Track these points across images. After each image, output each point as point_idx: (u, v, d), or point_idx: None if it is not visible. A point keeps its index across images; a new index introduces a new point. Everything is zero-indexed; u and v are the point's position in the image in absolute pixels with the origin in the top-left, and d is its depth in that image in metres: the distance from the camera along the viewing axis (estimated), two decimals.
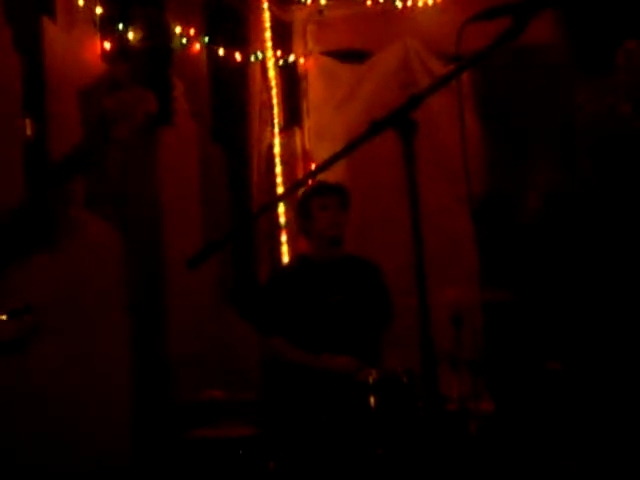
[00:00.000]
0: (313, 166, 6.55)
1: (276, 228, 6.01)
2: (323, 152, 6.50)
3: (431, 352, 1.99)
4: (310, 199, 4.53)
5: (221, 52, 5.74)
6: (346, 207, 4.51)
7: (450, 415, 3.80)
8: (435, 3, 6.34)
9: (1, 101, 3.90)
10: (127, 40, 4.66)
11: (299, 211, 4.64)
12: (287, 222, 5.95)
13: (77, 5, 4.37)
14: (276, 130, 6.33)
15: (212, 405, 3.93)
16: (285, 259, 6.00)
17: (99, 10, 4.51)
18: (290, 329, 4.35)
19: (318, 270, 4.46)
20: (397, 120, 2.04)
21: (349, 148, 2.14)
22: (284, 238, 6.03)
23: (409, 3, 6.40)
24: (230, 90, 5.94)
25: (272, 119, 6.32)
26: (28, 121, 4.09)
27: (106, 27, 4.57)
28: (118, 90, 3.95)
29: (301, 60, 6.74)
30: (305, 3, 6.59)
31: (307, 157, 6.61)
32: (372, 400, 3.62)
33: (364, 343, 4.34)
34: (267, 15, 6.36)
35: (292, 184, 6.35)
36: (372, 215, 5.98)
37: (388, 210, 5.66)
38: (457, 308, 4.01)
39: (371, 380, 3.65)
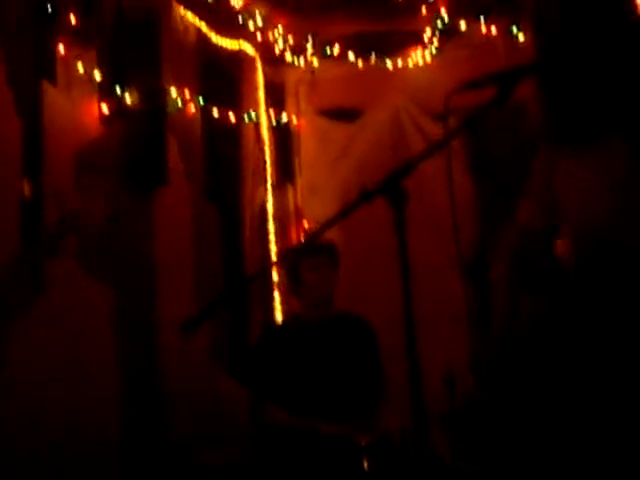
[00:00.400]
0: (305, 223, 6.62)
1: (269, 287, 6.05)
2: (315, 209, 6.59)
3: (422, 411, 2.03)
4: (299, 261, 4.49)
5: (215, 113, 5.84)
6: (335, 266, 4.48)
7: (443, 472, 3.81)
8: (425, 63, 6.46)
9: (1, 163, 3.98)
10: (124, 102, 4.75)
11: (289, 273, 4.62)
12: (280, 281, 5.99)
13: (76, 69, 4.48)
14: (269, 188, 6.42)
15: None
16: (278, 317, 6.04)
17: (97, 74, 4.62)
18: (282, 390, 4.29)
19: (310, 330, 4.43)
20: (388, 189, 2.09)
21: (340, 215, 2.18)
22: (277, 296, 6.09)
23: (400, 64, 6.52)
24: (224, 149, 6.03)
25: (265, 177, 6.42)
26: (26, 182, 4.14)
27: (104, 90, 4.68)
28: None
29: (294, 119, 6.84)
30: (297, 64, 6.70)
31: (299, 214, 6.69)
32: (365, 463, 3.62)
33: (357, 403, 4.27)
34: (260, 76, 6.50)
35: (285, 249, 6.38)
36: (364, 272, 6.01)
37: (381, 267, 5.69)
38: (449, 367, 4.04)
39: (364, 443, 3.64)
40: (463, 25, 5.93)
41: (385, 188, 2.09)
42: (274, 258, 6.22)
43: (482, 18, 5.90)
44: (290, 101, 6.92)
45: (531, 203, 2.42)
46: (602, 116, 2.16)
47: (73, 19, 4.42)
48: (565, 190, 2.27)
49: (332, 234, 5.16)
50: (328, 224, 2.21)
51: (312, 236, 2.26)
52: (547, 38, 2.24)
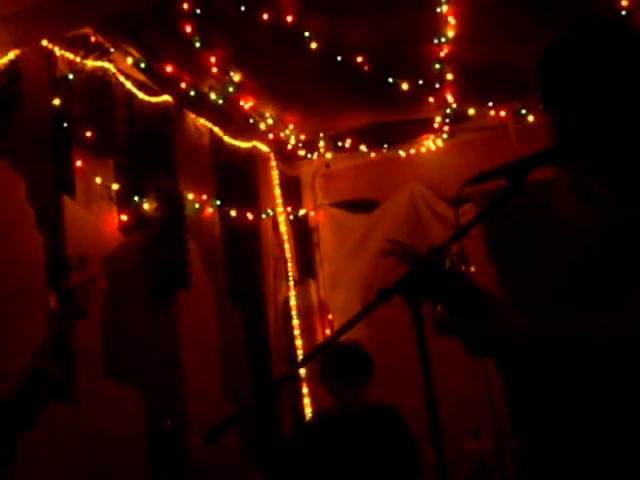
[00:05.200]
0: (330, 316, 6.63)
1: (297, 382, 6.04)
2: (338, 301, 6.60)
3: None
4: (326, 378, 4.36)
5: (233, 213, 5.93)
6: (364, 381, 4.32)
7: None
8: (437, 149, 6.53)
9: (27, 278, 4.04)
10: (142, 211, 4.84)
11: (322, 375, 4.42)
12: (307, 376, 5.98)
13: (94, 182, 4.58)
14: (291, 283, 6.46)
15: None
16: (307, 410, 6.02)
17: (115, 186, 4.72)
18: None
19: (343, 427, 4.34)
20: (403, 288, 2.09)
21: (360, 316, 2.18)
22: (305, 390, 6.07)
23: (412, 151, 6.59)
24: (244, 248, 6.09)
25: (286, 273, 6.47)
26: (52, 295, 4.20)
27: (122, 200, 4.77)
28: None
29: (311, 213, 6.92)
30: (311, 158, 6.80)
31: (323, 307, 6.70)
32: None
33: None
34: (275, 173, 6.60)
35: (311, 350, 6.37)
36: (390, 363, 5.95)
37: (404, 356, 5.65)
38: (480, 457, 3.98)
39: None
40: (471, 110, 6.01)
41: (400, 287, 2.09)
42: (300, 354, 6.21)
43: (490, 102, 5.98)
44: (307, 195, 7.01)
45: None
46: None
47: (88, 133, 4.53)
48: None
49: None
50: (347, 327, 2.20)
51: (332, 340, 2.21)
52: (568, 123, 2.19)
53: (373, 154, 6.65)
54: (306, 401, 6.08)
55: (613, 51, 2.16)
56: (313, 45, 4.93)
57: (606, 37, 2.19)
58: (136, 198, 4.84)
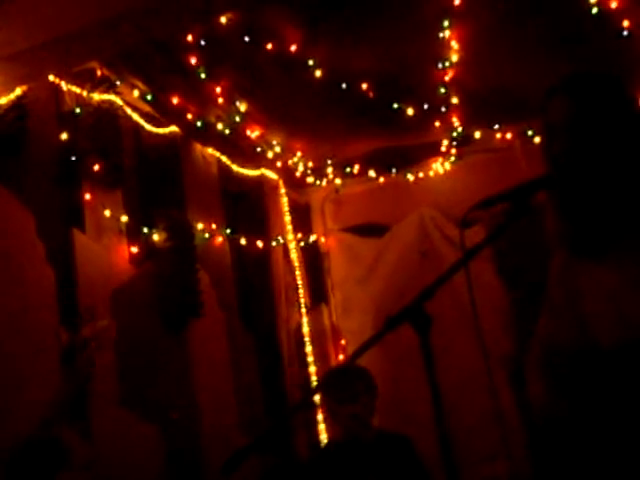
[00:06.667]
0: (343, 341, 6.62)
1: (312, 409, 6.02)
2: (351, 326, 6.60)
3: None
4: (324, 398, 4.38)
5: (243, 241, 5.93)
6: (360, 398, 4.25)
7: None
8: (445, 172, 6.53)
9: (38, 312, 4.05)
10: (152, 242, 4.85)
11: (324, 403, 4.47)
12: (322, 402, 5.95)
13: (104, 215, 4.60)
14: (303, 310, 6.46)
15: None
16: (322, 437, 6.00)
17: (124, 218, 4.74)
18: None
19: (350, 456, 4.28)
20: (411, 315, 2.10)
21: (369, 344, 2.19)
22: (320, 417, 6.05)
23: (420, 175, 6.61)
24: (255, 275, 6.09)
25: (298, 299, 6.47)
26: (62, 329, 4.20)
27: (132, 232, 4.78)
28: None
29: (322, 239, 6.93)
30: (320, 185, 6.82)
31: (335, 333, 6.69)
32: None
33: None
34: (285, 200, 6.61)
35: (324, 374, 6.35)
36: (400, 388, 5.92)
37: (413, 382, 5.61)
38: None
39: None
40: (478, 133, 6.02)
41: (408, 315, 2.10)
42: (314, 380, 6.20)
43: (496, 125, 5.99)
44: (316, 221, 7.03)
45: (551, 317, 2.41)
46: (620, 224, 2.15)
47: (96, 166, 4.55)
48: (589, 293, 2.26)
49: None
50: (357, 353, 2.22)
51: (339, 366, 2.22)
52: (557, 151, 2.25)
53: (382, 179, 6.67)
54: (321, 427, 6.06)
55: (613, 94, 2.24)
56: (317, 73, 4.96)
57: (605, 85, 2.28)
58: (145, 229, 4.85)
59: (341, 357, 6.57)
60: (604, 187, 2.19)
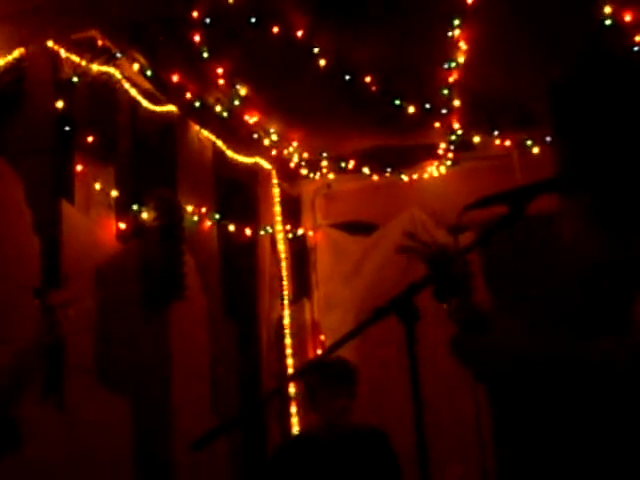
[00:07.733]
0: (322, 337, 6.57)
1: (286, 400, 5.99)
2: (332, 322, 6.54)
3: None
4: (317, 387, 4.32)
5: (231, 228, 5.89)
6: (354, 393, 4.32)
7: None
8: (441, 175, 6.50)
9: (20, 281, 3.98)
10: (141, 220, 4.80)
11: (307, 392, 4.46)
12: (297, 394, 5.93)
13: (94, 188, 4.54)
14: (286, 302, 6.41)
15: None
16: (295, 429, 5.96)
17: (114, 193, 4.68)
18: None
19: (323, 448, 4.29)
20: (399, 307, 2.06)
21: (353, 334, 2.15)
22: (294, 409, 6.01)
23: (415, 176, 6.56)
24: (240, 264, 6.06)
25: (282, 291, 6.43)
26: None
27: (121, 208, 4.73)
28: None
29: (310, 233, 6.88)
30: (313, 178, 6.77)
31: (316, 328, 6.65)
32: None
33: None
34: (276, 191, 6.56)
35: (302, 365, 6.34)
36: (379, 383, 5.92)
37: (395, 379, 5.60)
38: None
39: None
40: (477, 138, 5.98)
41: (396, 306, 2.06)
42: (291, 372, 6.16)
43: (496, 131, 5.96)
44: (306, 214, 6.97)
45: None
46: None
47: (90, 138, 4.49)
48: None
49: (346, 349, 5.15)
50: (340, 342, 2.18)
51: (325, 354, 2.19)
52: (572, 152, 2.13)
53: (376, 177, 6.60)
54: (294, 420, 6.02)
55: (625, 86, 2.13)
56: (322, 62, 4.91)
57: (619, 71, 2.17)
58: (135, 206, 4.80)
59: (319, 352, 6.53)
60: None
